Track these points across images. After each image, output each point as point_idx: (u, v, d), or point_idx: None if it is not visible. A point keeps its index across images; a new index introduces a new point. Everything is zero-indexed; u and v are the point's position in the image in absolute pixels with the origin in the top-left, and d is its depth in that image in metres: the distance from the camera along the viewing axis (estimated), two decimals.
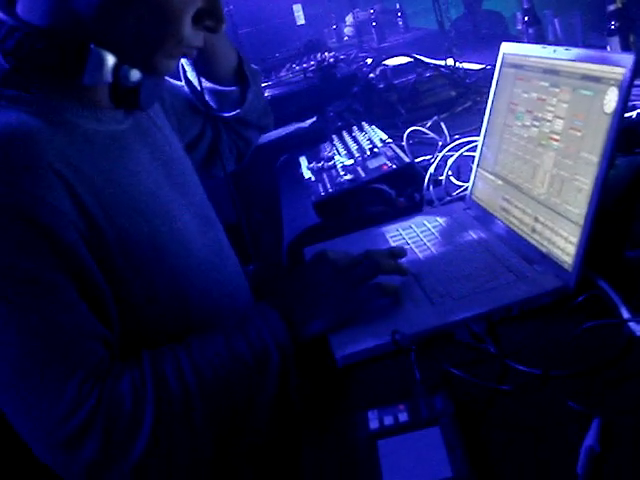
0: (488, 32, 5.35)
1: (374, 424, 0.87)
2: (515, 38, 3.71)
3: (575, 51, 1.16)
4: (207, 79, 1.51)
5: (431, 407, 0.87)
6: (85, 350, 0.94)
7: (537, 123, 1.25)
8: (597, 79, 1.07)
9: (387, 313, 1.14)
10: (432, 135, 1.93)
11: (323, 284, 1.13)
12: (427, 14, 7.77)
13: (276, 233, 2.09)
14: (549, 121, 1.20)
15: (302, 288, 1.13)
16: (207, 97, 1.53)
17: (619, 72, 1.02)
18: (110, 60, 1.05)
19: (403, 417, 0.87)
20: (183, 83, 1.54)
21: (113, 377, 0.95)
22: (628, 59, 1.00)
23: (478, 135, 1.51)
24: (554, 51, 1.22)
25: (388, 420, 0.87)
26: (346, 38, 6.40)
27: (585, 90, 1.11)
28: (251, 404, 1.00)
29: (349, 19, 6.49)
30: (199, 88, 1.49)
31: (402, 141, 1.92)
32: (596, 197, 1.03)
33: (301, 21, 6.91)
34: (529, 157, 1.26)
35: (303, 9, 7.02)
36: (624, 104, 1.00)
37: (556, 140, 1.17)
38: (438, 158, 1.70)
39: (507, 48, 1.42)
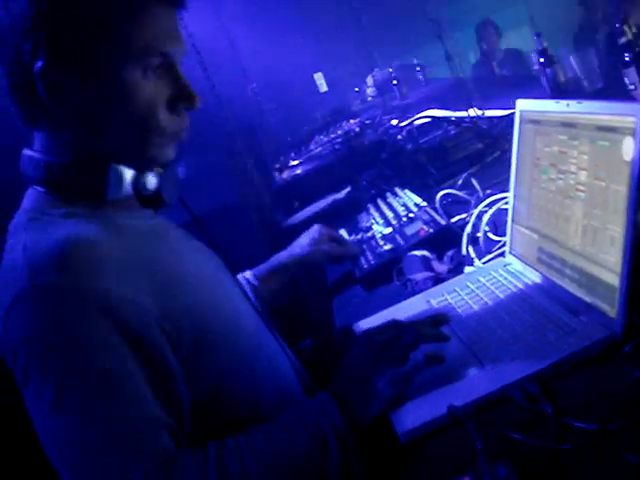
0: (509, 73, 5.38)
1: None
2: (538, 78, 3.75)
3: (587, 104, 1.19)
4: None
5: (495, 476, 0.88)
6: (151, 438, 0.99)
7: (562, 176, 1.28)
8: (612, 129, 1.10)
9: (443, 382, 1.16)
10: (463, 195, 1.96)
11: (371, 365, 1.16)
12: (445, 62, 7.88)
13: (325, 307, 2.13)
14: (573, 173, 1.23)
15: (353, 373, 1.17)
16: None
17: (630, 121, 1.04)
18: (128, 175, 1.18)
19: None
20: None
21: (178, 464, 0.99)
22: (637, 108, 1.03)
23: (509, 186, 1.54)
24: (567, 105, 1.25)
25: None
26: (370, 99, 6.49)
27: (602, 141, 1.13)
28: None
29: (370, 80, 6.60)
30: None
31: (436, 203, 1.95)
32: (629, 243, 1.05)
33: (324, 88, 7.05)
34: (559, 209, 1.29)
35: (324, 76, 7.17)
36: None
37: (582, 191, 1.20)
38: (473, 217, 1.73)
39: (522, 105, 1.46)
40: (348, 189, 2.76)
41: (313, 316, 2.25)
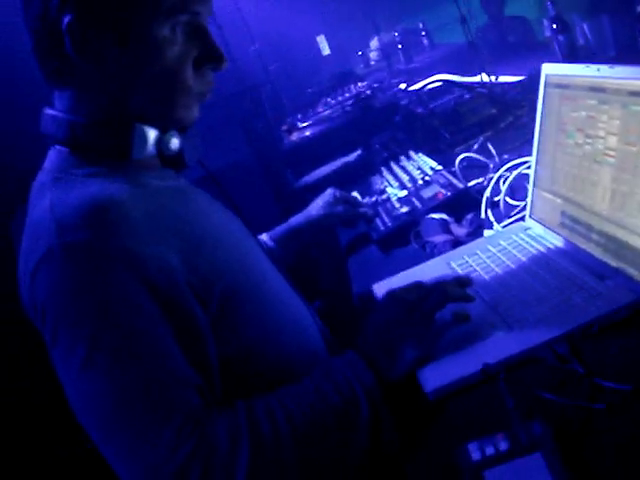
0: (515, 40, 5.36)
1: (476, 455, 0.90)
2: (544, 45, 3.74)
3: (620, 69, 1.19)
4: None
5: (529, 433, 0.90)
6: (182, 397, 1.00)
7: (590, 140, 1.28)
8: None
9: (470, 342, 1.17)
10: (483, 159, 1.96)
11: (398, 324, 1.17)
12: (450, 28, 7.80)
13: (337, 269, 2.14)
14: (602, 138, 1.23)
15: (380, 332, 1.18)
16: None
17: None
18: (152, 135, 1.17)
19: (503, 446, 0.90)
20: None
21: (210, 423, 1.00)
22: None
23: (525, 151, 1.55)
24: (598, 70, 1.25)
25: (489, 450, 0.90)
26: (373, 62, 6.46)
27: (635, 106, 1.13)
28: (345, 449, 1.04)
29: (374, 44, 6.55)
30: None
31: (452, 167, 1.96)
32: None
33: (326, 51, 7.00)
34: (586, 174, 1.29)
35: (326, 39, 7.12)
36: None
37: (612, 156, 1.20)
38: (493, 181, 1.73)
39: (549, 69, 1.46)
40: (359, 152, 2.75)
41: (323, 279, 2.27)
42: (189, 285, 1.07)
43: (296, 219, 1.86)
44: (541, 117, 1.49)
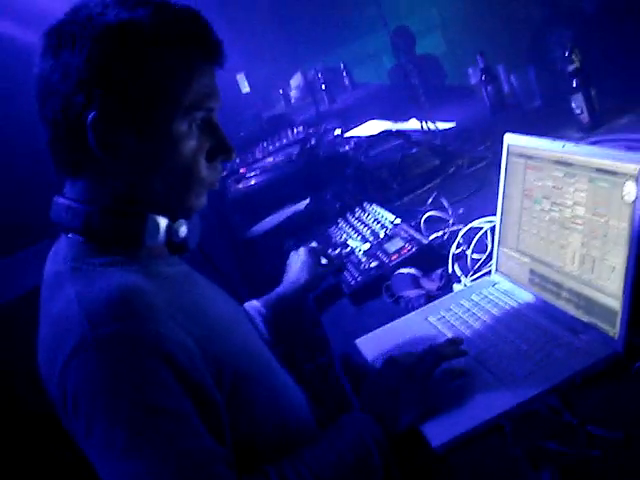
0: (428, 79, 5.55)
1: None
2: (466, 89, 3.96)
3: (584, 147, 1.35)
4: None
5: None
6: (218, 470, 1.07)
7: (557, 208, 1.42)
8: (612, 173, 1.25)
9: (467, 397, 1.29)
10: (443, 215, 2.11)
11: (400, 386, 1.30)
12: (362, 65, 8.06)
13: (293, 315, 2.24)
14: (569, 207, 1.38)
15: (383, 393, 1.31)
16: None
17: (633, 168, 1.20)
18: (163, 223, 1.24)
19: None
20: None
21: None
22: None
23: (477, 203, 1.71)
24: (563, 146, 1.40)
25: None
26: (293, 100, 6.61)
27: (602, 182, 1.28)
28: None
29: (294, 82, 6.71)
30: None
31: (410, 219, 2.11)
32: (631, 274, 1.21)
33: (246, 89, 7.09)
34: (554, 238, 1.43)
35: (246, 77, 7.21)
36: None
37: (580, 224, 1.34)
38: (459, 237, 1.88)
39: (511, 139, 1.61)
40: (307, 201, 2.86)
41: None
42: (206, 369, 1.14)
43: (284, 288, 1.97)
44: (505, 183, 1.63)
